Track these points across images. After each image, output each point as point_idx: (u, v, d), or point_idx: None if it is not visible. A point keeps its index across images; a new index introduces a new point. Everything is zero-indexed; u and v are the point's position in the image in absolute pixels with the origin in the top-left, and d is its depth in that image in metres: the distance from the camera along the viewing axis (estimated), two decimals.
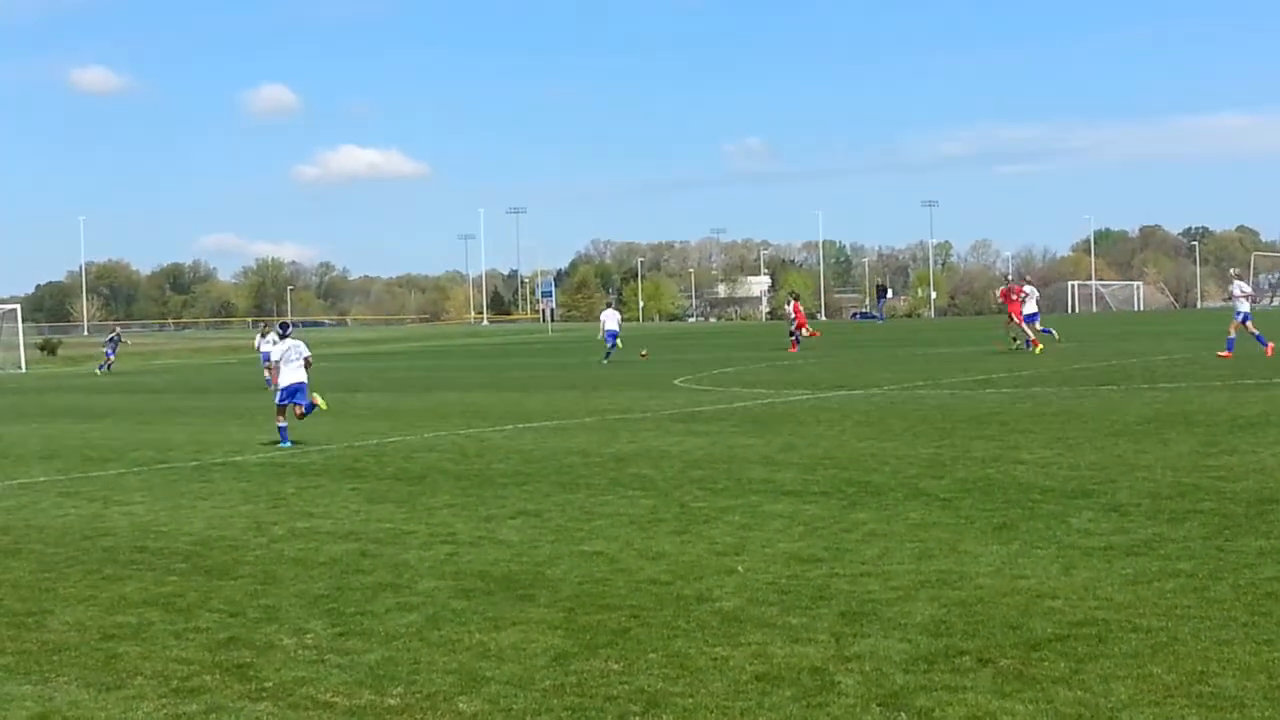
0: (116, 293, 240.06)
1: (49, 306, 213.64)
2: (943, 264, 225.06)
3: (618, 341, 53.40)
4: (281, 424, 24.53)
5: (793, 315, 57.04)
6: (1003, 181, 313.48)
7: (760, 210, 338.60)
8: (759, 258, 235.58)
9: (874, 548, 12.07)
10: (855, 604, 9.97)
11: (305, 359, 24.81)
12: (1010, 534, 12.41)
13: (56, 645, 9.91)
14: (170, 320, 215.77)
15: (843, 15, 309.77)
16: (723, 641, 9.12)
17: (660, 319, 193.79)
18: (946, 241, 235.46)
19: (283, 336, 25.74)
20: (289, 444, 24.02)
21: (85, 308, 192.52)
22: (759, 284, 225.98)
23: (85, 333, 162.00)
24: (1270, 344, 36.16)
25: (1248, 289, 38.24)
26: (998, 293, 48.59)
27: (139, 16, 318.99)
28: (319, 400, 24.79)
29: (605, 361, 51.26)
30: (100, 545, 14.17)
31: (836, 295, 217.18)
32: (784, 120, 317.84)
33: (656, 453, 20.01)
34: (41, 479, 20.50)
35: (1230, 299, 38.82)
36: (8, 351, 75.64)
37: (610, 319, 53.88)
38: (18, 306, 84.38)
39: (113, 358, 69.02)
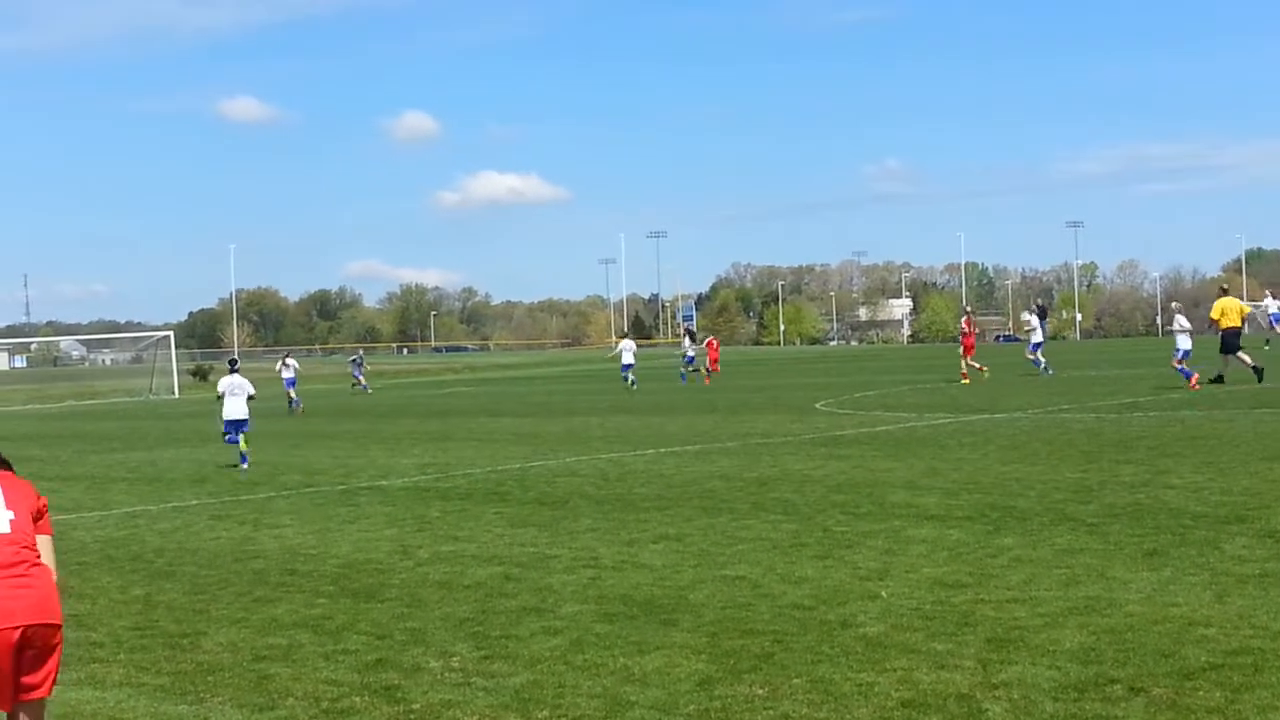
0: (266, 319, 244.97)
1: (201, 333, 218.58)
2: (1088, 285, 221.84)
3: (631, 374, 54.89)
4: (243, 452, 27.07)
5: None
6: (1149, 200, 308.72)
7: (901, 232, 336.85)
8: (900, 280, 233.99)
9: (1020, 573, 11.92)
10: (1002, 630, 9.86)
11: (249, 395, 27.80)
12: (1161, 560, 12.19)
13: (210, 666, 10.12)
14: (317, 346, 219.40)
15: (981, 35, 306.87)
16: (868, 667, 9.07)
17: (801, 342, 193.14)
18: (1092, 262, 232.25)
19: (231, 372, 28.71)
20: (247, 465, 26.56)
21: (236, 334, 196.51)
22: (900, 306, 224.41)
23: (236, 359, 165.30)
24: (1195, 376, 35.40)
25: (1186, 324, 37.53)
26: (961, 322, 48.42)
27: (285, 47, 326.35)
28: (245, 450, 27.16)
29: (634, 388, 53.32)
30: (251, 568, 14.45)
31: (979, 318, 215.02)
32: (924, 141, 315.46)
33: (799, 477, 19.94)
34: (194, 502, 20.95)
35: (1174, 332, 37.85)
36: (161, 377, 77.39)
37: (627, 350, 55.69)
38: (170, 334, 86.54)
39: (361, 377, 69.00)
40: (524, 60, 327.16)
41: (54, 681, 6.63)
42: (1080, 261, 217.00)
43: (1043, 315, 48.87)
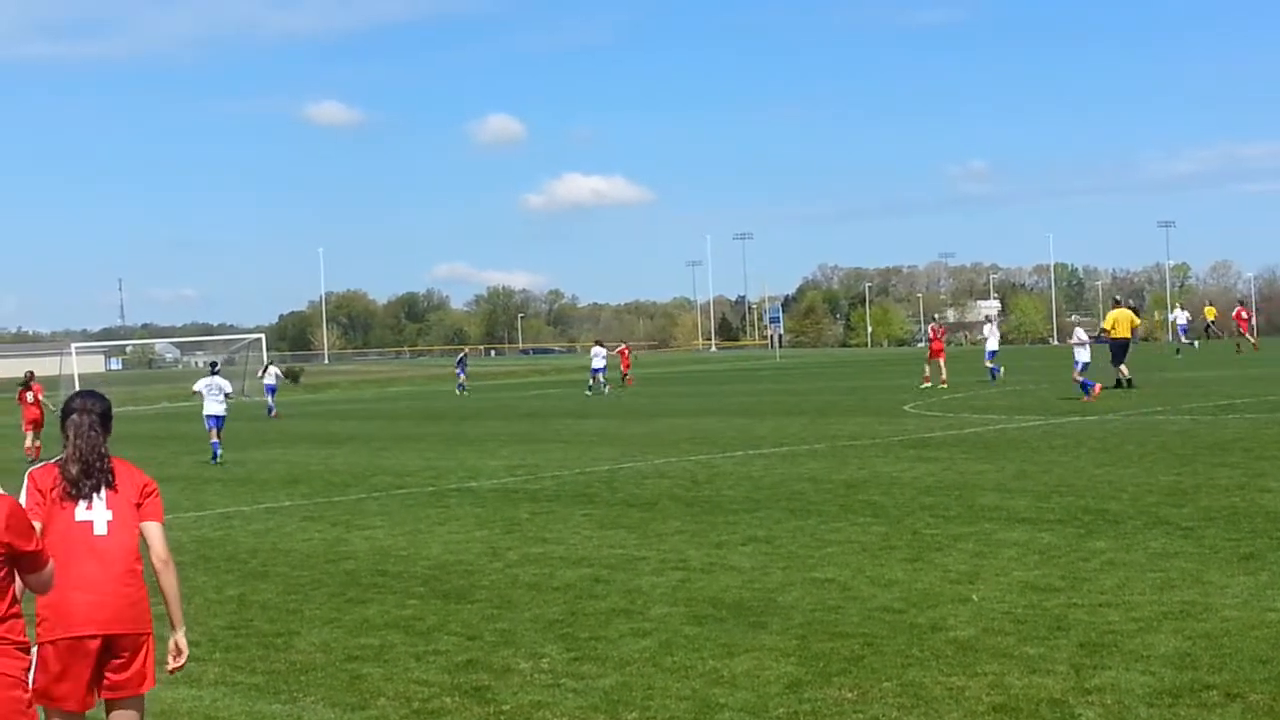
0: (355, 322, 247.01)
1: (291, 336, 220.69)
2: (1180, 286, 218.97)
3: (601, 377, 57.99)
4: (215, 440, 29.95)
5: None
6: (1244, 200, 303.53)
7: (989, 233, 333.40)
8: (988, 281, 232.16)
9: (1113, 577, 11.81)
10: (1095, 635, 9.77)
11: (225, 394, 30.74)
12: (1257, 564, 12.03)
13: (304, 666, 10.23)
14: (405, 348, 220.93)
15: (1067, 33, 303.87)
16: (958, 671, 9.02)
17: (888, 344, 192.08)
18: (1184, 263, 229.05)
19: (211, 373, 31.59)
20: (218, 461, 29.31)
21: (325, 336, 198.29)
22: (988, 308, 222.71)
23: (325, 361, 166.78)
24: (1097, 386, 35.09)
25: (1085, 336, 37.64)
26: (929, 330, 50.23)
27: (368, 51, 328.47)
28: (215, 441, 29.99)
29: (589, 394, 55.97)
30: (343, 568, 14.59)
31: (1068, 319, 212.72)
32: (1010, 141, 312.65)
33: (887, 479, 19.85)
34: (287, 503, 21.18)
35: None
36: (252, 380, 78.15)
37: (598, 355, 59.22)
38: (262, 336, 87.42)
39: (463, 377, 69.48)
40: (608, 62, 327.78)
41: (150, 678, 6.70)
42: (1172, 262, 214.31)
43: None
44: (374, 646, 10.74)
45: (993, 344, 50.30)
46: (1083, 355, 36.61)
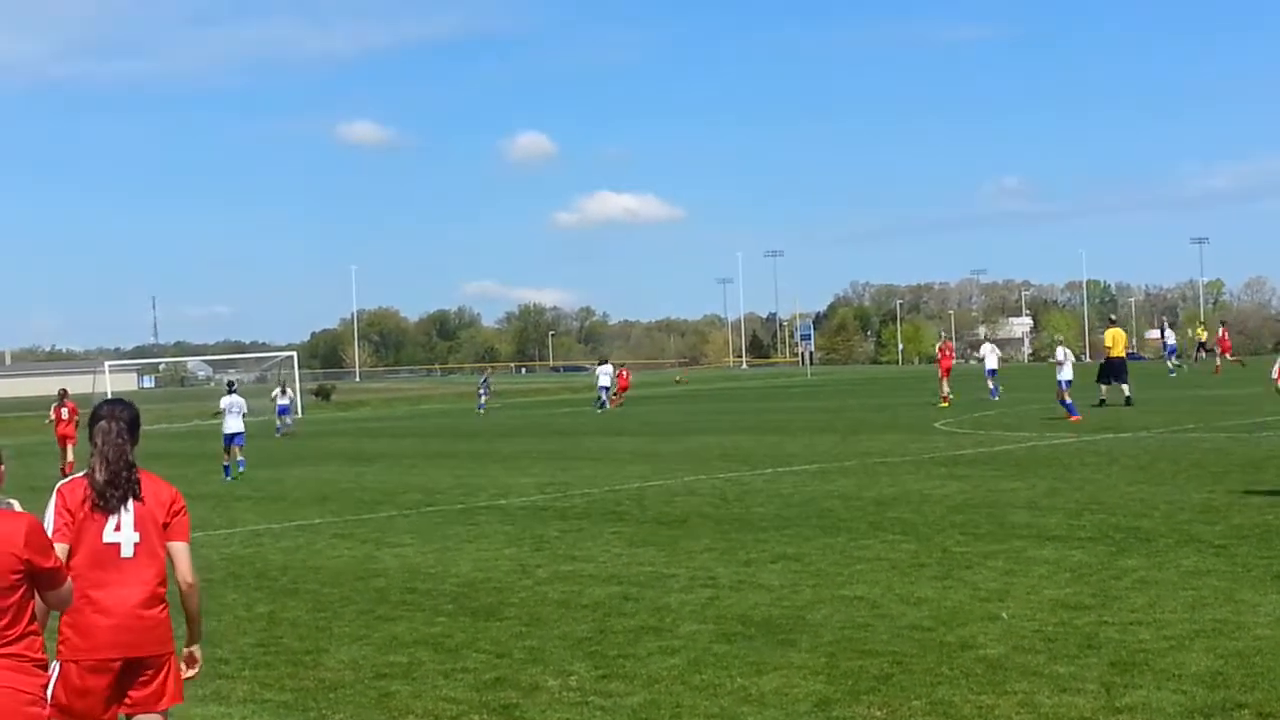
0: (386, 339, 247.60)
1: (323, 353, 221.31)
2: (1214, 302, 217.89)
3: (605, 395, 60.56)
4: (226, 463, 31.46)
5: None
6: (1279, 216, 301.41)
7: (1021, 250, 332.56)
8: (1020, 298, 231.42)
9: (1144, 596, 11.74)
10: (1126, 653, 9.72)
11: (244, 412, 32.16)
12: None
13: (333, 683, 10.25)
14: (437, 365, 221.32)
15: (1097, 48, 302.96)
16: (988, 690, 8.98)
17: (920, 361, 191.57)
18: (1218, 279, 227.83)
19: (229, 392, 33.07)
20: (230, 478, 30.47)
21: (357, 354, 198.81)
22: (1021, 325, 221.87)
23: (357, 379, 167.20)
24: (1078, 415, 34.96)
25: (1064, 355, 37.73)
26: (939, 346, 51.73)
27: (401, 70, 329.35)
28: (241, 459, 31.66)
29: (599, 410, 57.83)
30: (372, 586, 14.61)
31: (1100, 336, 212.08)
32: (1042, 158, 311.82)
33: (917, 497, 19.79)
34: (317, 521, 21.22)
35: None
36: (294, 400, 78.41)
37: (603, 374, 62.31)
38: (294, 354, 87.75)
39: (485, 396, 70.29)
40: (639, 80, 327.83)
41: (171, 694, 6.68)
42: (1206, 279, 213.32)
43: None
44: (403, 664, 10.75)
45: (991, 363, 51.06)
46: (1066, 373, 36.88)
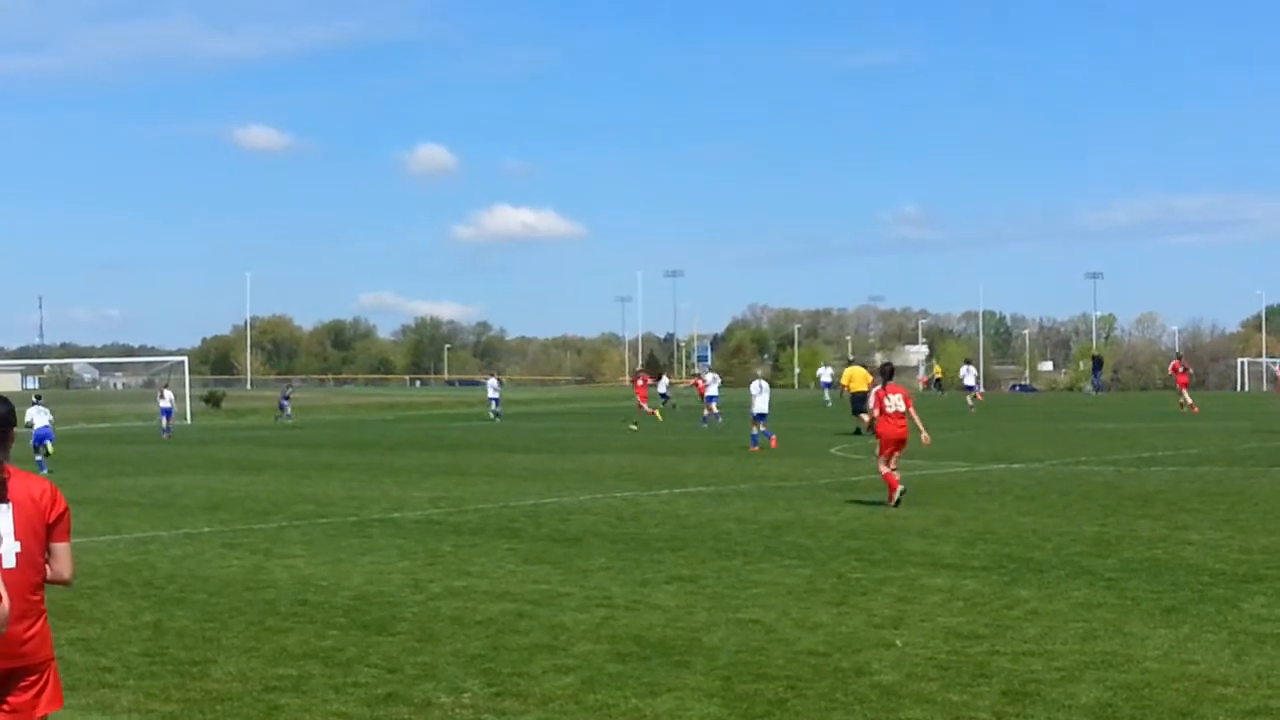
0: (279, 348, 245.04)
1: (214, 360, 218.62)
2: (1106, 337, 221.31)
3: (495, 406, 66.66)
4: (38, 458, 35.24)
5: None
6: (1173, 253, 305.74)
7: (919, 278, 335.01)
8: (917, 326, 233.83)
9: (1036, 626, 11.84)
10: (1017, 683, 9.78)
11: (49, 420, 36.66)
12: (1179, 617, 12.10)
13: (220, 695, 10.06)
14: (330, 376, 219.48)
15: (1000, 81, 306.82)
16: (882, 716, 8.99)
17: (815, 386, 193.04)
18: (1110, 314, 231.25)
19: (35, 403, 37.00)
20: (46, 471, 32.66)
21: (249, 361, 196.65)
22: (916, 353, 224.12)
23: (249, 386, 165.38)
24: (773, 438, 38.18)
25: (760, 387, 40.56)
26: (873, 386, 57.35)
27: (300, 77, 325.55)
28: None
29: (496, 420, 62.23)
30: (262, 597, 14.39)
31: (995, 367, 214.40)
32: (943, 188, 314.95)
33: (813, 522, 19.86)
34: (206, 529, 20.90)
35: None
36: (175, 403, 77.37)
37: (491, 385, 69.11)
38: (184, 359, 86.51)
39: (287, 407, 73.19)
40: (541, 96, 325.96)
41: (49, 700, 6.47)
42: (1099, 313, 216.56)
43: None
44: (292, 677, 10.57)
45: (713, 389, 55.47)
46: (758, 406, 39.02)
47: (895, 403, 22.35)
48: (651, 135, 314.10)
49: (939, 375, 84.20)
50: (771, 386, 48.28)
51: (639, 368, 65.32)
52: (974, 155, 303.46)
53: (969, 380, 67.24)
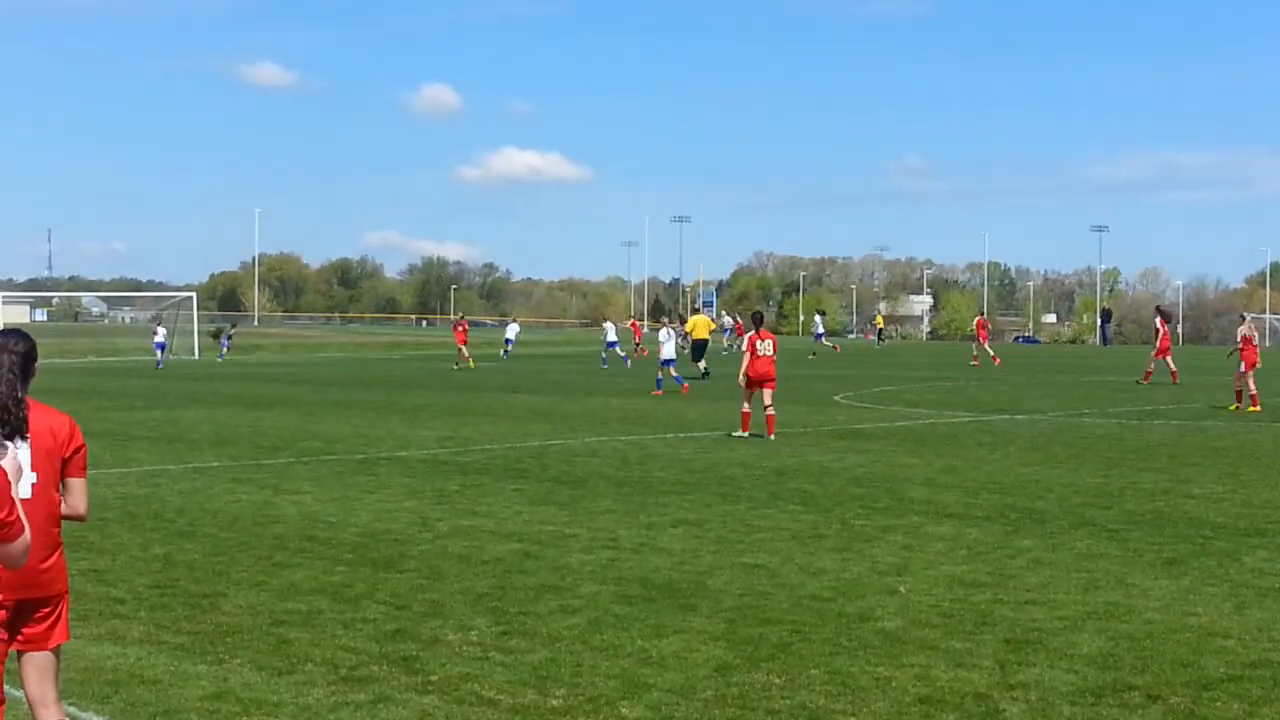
0: (286, 285, 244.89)
1: (221, 296, 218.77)
2: (1110, 290, 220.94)
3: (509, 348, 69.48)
4: None
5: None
6: (1178, 208, 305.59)
7: (924, 229, 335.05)
8: (921, 276, 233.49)
9: (1039, 576, 11.94)
10: (1020, 632, 9.88)
11: None
12: (1180, 569, 12.20)
13: (230, 628, 10.17)
14: (336, 314, 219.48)
15: (1009, 34, 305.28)
16: (885, 661, 9.10)
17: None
18: (1115, 268, 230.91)
19: None
20: None
21: (256, 298, 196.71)
22: (921, 303, 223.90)
23: (255, 323, 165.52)
24: (685, 384, 39.26)
25: (667, 335, 41.70)
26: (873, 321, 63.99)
27: (308, 14, 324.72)
28: None
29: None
30: (271, 532, 14.50)
31: (999, 317, 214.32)
32: (952, 138, 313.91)
33: (818, 468, 19.96)
34: (214, 464, 21.02)
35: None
36: (182, 338, 77.53)
37: (511, 328, 73.35)
38: (193, 295, 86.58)
39: (226, 346, 73.72)
40: (548, 37, 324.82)
41: (61, 633, 6.58)
42: (1104, 267, 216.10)
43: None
44: (301, 612, 10.69)
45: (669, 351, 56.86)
46: (666, 353, 40.10)
47: (765, 348, 24.92)
48: (660, 82, 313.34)
49: (880, 326, 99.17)
50: (775, 334, 48.30)
51: (460, 315, 68.81)
52: (981, 109, 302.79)
53: (819, 330, 73.34)
